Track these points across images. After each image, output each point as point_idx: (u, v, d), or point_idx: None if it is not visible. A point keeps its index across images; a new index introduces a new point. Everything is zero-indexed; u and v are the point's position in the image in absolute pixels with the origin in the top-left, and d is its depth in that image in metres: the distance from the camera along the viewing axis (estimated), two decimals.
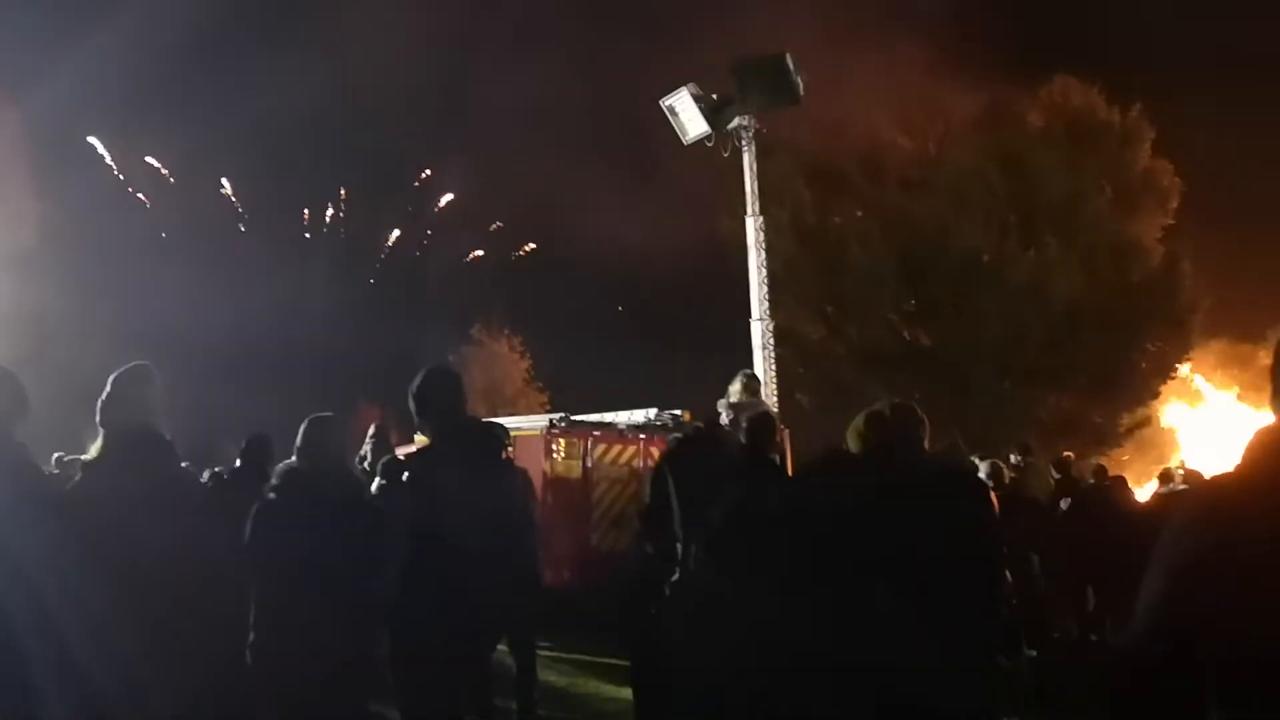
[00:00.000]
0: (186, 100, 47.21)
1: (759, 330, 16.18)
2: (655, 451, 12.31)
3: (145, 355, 4.93)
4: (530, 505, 9.56)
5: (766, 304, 16.34)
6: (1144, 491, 14.65)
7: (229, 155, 47.88)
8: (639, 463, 13.17)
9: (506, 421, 11.55)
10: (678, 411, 13.35)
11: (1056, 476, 12.70)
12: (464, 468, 4.93)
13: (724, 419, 7.02)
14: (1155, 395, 30.69)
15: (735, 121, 16.12)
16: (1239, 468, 2.06)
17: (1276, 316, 27.78)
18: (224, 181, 51.34)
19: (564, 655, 10.34)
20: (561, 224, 44.26)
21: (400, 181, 54.90)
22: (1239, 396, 33.20)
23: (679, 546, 6.29)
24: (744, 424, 6.45)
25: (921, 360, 28.91)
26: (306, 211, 53.51)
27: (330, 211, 53.89)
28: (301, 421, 5.21)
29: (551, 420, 13.48)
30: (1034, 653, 10.05)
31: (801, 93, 15.79)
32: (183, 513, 4.52)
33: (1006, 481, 10.47)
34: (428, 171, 55.14)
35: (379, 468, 8.71)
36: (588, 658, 10.27)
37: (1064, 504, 11.61)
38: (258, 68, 42.40)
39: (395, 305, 44.55)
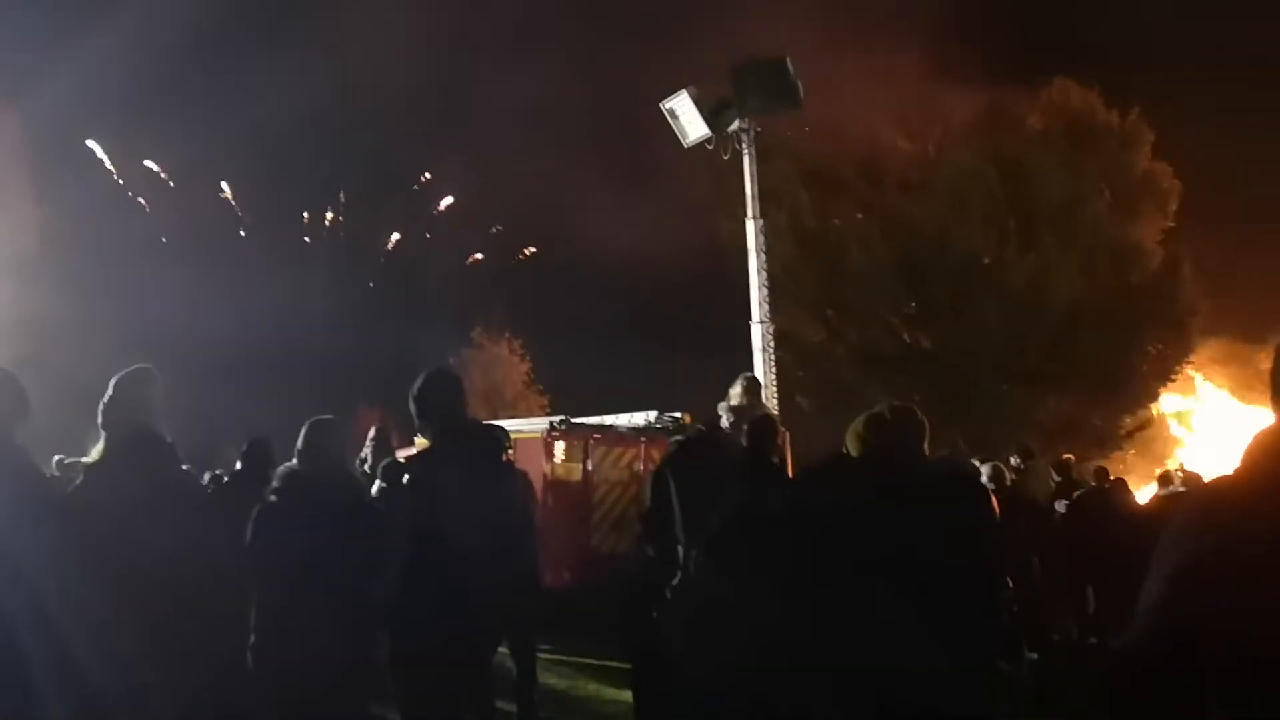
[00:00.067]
0: (185, 104, 47.14)
1: (759, 333, 16.19)
2: (655, 454, 12.32)
3: (146, 358, 4.94)
4: (531, 508, 9.56)
5: (766, 306, 16.34)
6: (1144, 493, 14.65)
7: (228, 158, 47.92)
8: (639, 465, 13.18)
9: (507, 424, 11.54)
10: (678, 414, 13.34)
11: (1057, 479, 12.70)
12: (464, 470, 4.93)
13: (725, 422, 7.02)
14: (1155, 397, 30.71)
15: (735, 124, 16.13)
16: (1239, 470, 2.07)
17: (1277, 318, 27.79)
18: (223, 185, 51.38)
19: (564, 657, 10.34)
20: (562, 226, 44.28)
21: (400, 184, 54.88)
22: (1239, 398, 33.19)
23: (680, 549, 6.30)
24: (745, 427, 6.45)
25: (921, 363, 28.92)
26: (306, 214, 53.57)
27: (330, 215, 53.94)
28: (302, 424, 5.22)
29: (552, 423, 13.48)
30: (1034, 655, 10.06)
31: (801, 96, 15.81)
32: (184, 515, 4.52)
33: (1008, 484, 10.47)
34: (427, 175, 55.18)
35: (379, 470, 8.70)
36: (588, 660, 10.26)
37: (1059, 505, 11.60)
38: (257, 71, 42.38)
39: (395, 308, 44.53)
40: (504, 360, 39.08)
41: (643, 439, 13.45)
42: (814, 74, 16.70)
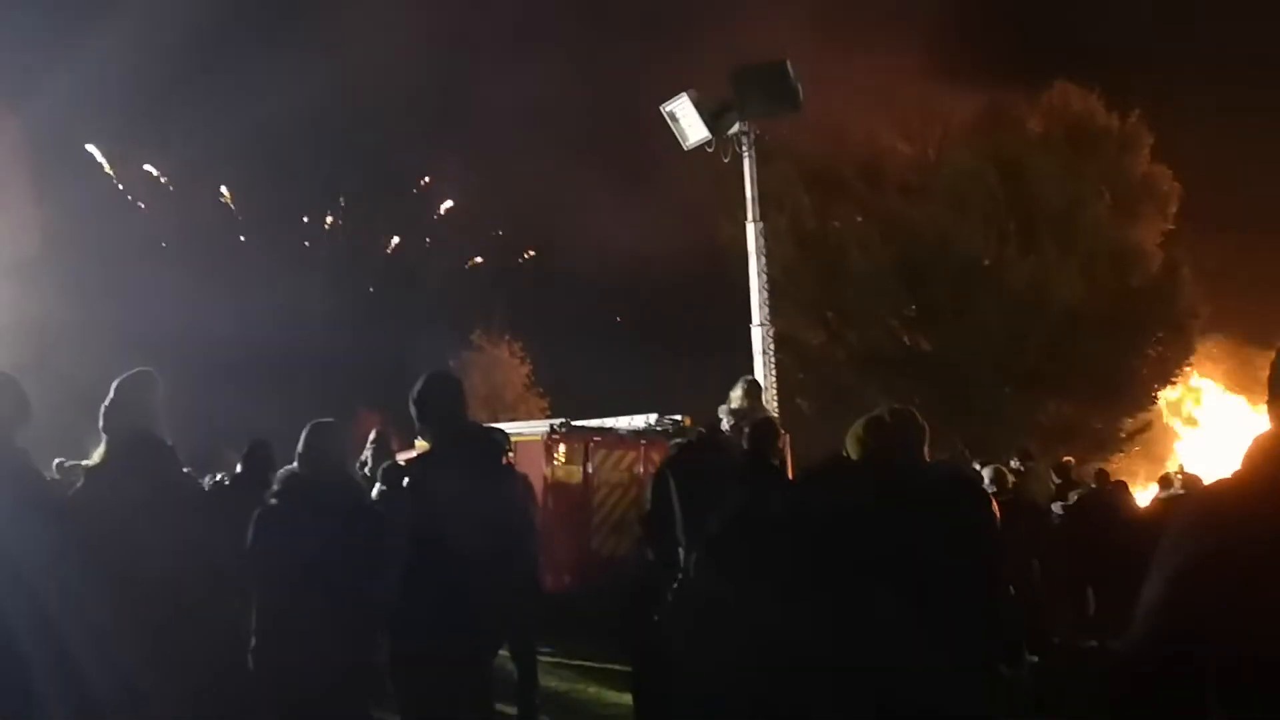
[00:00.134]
0: (184, 107, 47.18)
1: (759, 335, 16.18)
2: (655, 457, 12.32)
3: (146, 361, 4.94)
4: (531, 510, 9.56)
5: (767, 309, 16.33)
6: (1145, 496, 14.65)
7: (228, 161, 47.95)
8: (639, 468, 13.18)
9: (507, 427, 11.54)
10: (678, 416, 13.34)
11: (1057, 481, 12.71)
12: (464, 473, 4.93)
13: (725, 424, 7.02)
14: (1155, 400, 30.71)
15: (735, 127, 16.13)
16: (1238, 473, 2.08)
17: (1277, 320, 27.80)
18: (223, 188, 51.40)
19: (565, 660, 10.34)
20: (562, 229, 44.31)
21: (400, 188, 54.93)
22: (1239, 401, 33.21)
23: (680, 552, 6.30)
24: (746, 429, 6.46)
25: (922, 365, 28.94)
26: (306, 218, 53.58)
27: (330, 217, 53.96)
28: (302, 427, 5.22)
29: (552, 425, 13.48)
30: (1034, 658, 10.06)
31: (801, 99, 15.82)
32: (184, 518, 4.52)
33: (1009, 486, 10.48)
34: (426, 178, 55.21)
35: (379, 473, 8.72)
36: (589, 663, 10.26)
37: (1056, 507, 11.60)
38: (256, 73, 42.36)
39: (395, 311, 44.53)
40: (504, 363, 39.07)
41: (643, 442, 13.45)
42: (814, 77, 16.72)
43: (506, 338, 39.64)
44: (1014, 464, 12.57)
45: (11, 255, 29.96)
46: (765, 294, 16.36)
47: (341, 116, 47.53)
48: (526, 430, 13.74)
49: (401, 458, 9.80)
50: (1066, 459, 15.17)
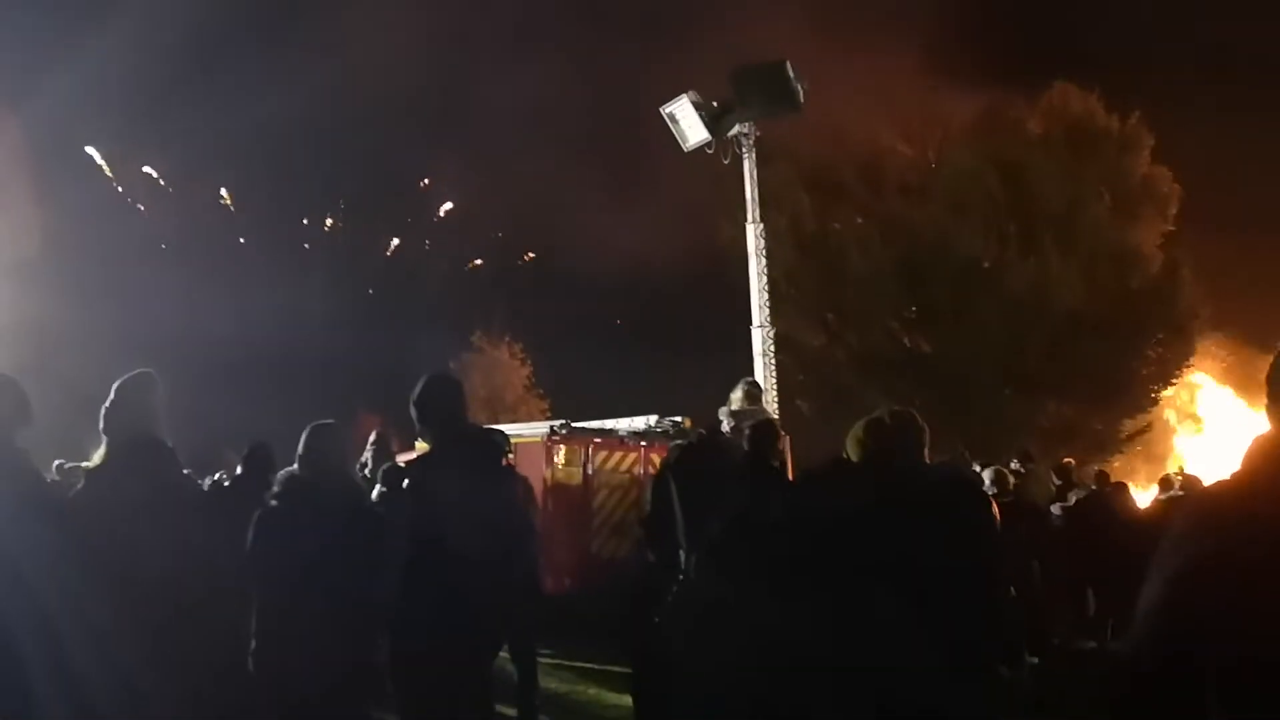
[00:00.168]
0: (184, 109, 47.25)
1: (759, 337, 16.19)
2: (656, 458, 12.31)
3: (146, 363, 4.94)
4: (531, 512, 9.57)
5: (767, 311, 16.34)
6: (1145, 497, 14.65)
7: (227, 163, 48.00)
8: (639, 470, 13.17)
9: (507, 428, 11.54)
10: (678, 418, 13.34)
11: (1058, 483, 12.70)
12: (464, 475, 4.93)
13: (725, 426, 7.03)
14: (1156, 401, 30.71)
15: (735, 129, 16.14)
16: (1238, 474, 2.08)
17: (1278, 321, 27.81)
18: (222, 190, 51.44)
19: (565, 662, 10.34)
20: (562, 231, 44.32)
21: (400, 189, 54.97)
22: (1240, 402, 33.21)
23: (681, 553, 6.30)
24: (747, 431, 6.46)
25: (922, 366, 28.94)
26: (305, 220, 53.62)
27: (329, 220, 54.00)
28: (302, 429, 5.22)
29: (552, 427, 13.47)
30: (1035, 659, 10.06)
31: (802, 100, 15.82)
32: (184, 519, 4.53)
33: (1010, 488, 10.48)
34: (426, 180, 55.24)
35: (380, 475, 8.72)
36: (589, 665, 10.26)
37: (1055, 508, 11.60)
38: (255, 76, 42.44)
39: (396, 312, 44.55)
40: (504, 365, 39.07)
41: (643, 443, 13.45)
42: (814, 78, 16.68)
43: (507, 339, 39.64)
44: (1014, 465, 12.57)
45: (11, 256, 29.98)
46: (765, 295, 16.37)
47: (341, 118, 47.64)
48: (526, 432, 13.73)
49: (402, 459, 9.79)
50: (1067, 460, 15.17)
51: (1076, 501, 12.04)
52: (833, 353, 30.18)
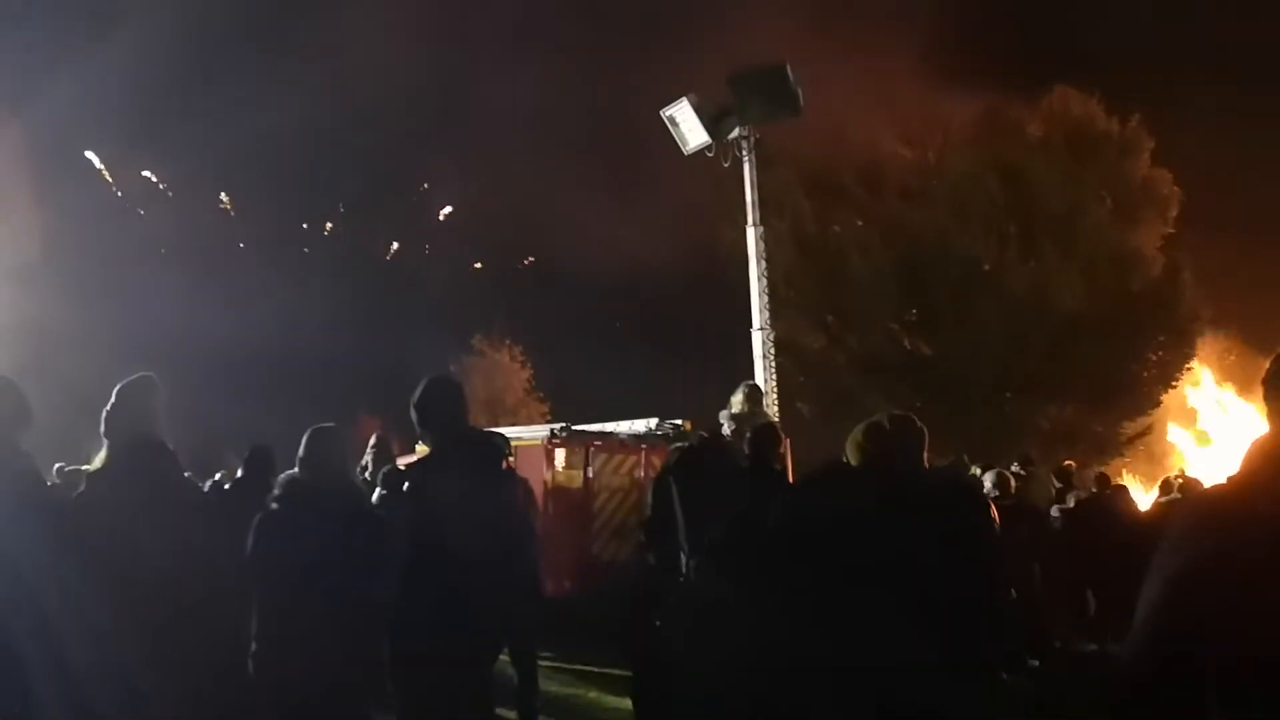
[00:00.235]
0: (183, 114, 47.32)
1: (759, 340, 16.19)
2: (656, 461, 12.31)
3: (147, 366, 4.95)
4: (531, 515, 9.57)
5: (767, 313, 16.34)
6: (1145, 500, 14.65)
7: (226, 169, 48.04)
8: (640, 472, 13.17)
9: (508, 431, 11.53)
10: (679, 421, 13.35)
11: (1058, 486, 12.71)
12: (465, 477, 4.94)
13: (726, 429, 7.04)
14: (1156, 404, 30.69)
15: (735, 132, 16.14)
16: (1237, 476, 2.09)
17: (1278, 323, 27.82)
18: (222, 195, 51.51)
19: (565, 665, 10.33)
20: (562, 234, 44.33)
21: (399, 193, 55.02)
22: (1241, 404, 33.21)
23: (683, 556, 6.31)
24: (748, 434, 6.47)
25: (922, 370, 28.93)
26: (305, 224, 53.68)
27: (329, 224, 54.05)
28: (303, 432, 5.22)
29: (553, 430, 13.47)
30: (1035, 662, 10.06)
31: (801, 103, 15.82)
32: (185, 522, 4.53)
33: (1012, 491, 10.48)
34: (426, 184, 55.30)
35: (380, 477, 8.72)
36: (589, 668, 10.25)
37: (1054, 511, 11.60)
38: (254, 81, 42.51)
39: (396, 316, 44.56)
40: (505, 367, 39.08)
41: (643, 446, 13.45)
42: (814, 81, 16.74)
43: (507, 342, 39.64)
44: (1015, 469, 12.57)
45: (12, 260, 30.01)
46: (765, 298, 16.38)
47: (340, 122, 47.68)
48: (527, 435, 13.74)
49: (402, 462, 9.80)
50: (1067, 463, 15.17)
51: (1077, 504, 12.05)
52: (833, 355, 30.18)
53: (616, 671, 8.96)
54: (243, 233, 51.62)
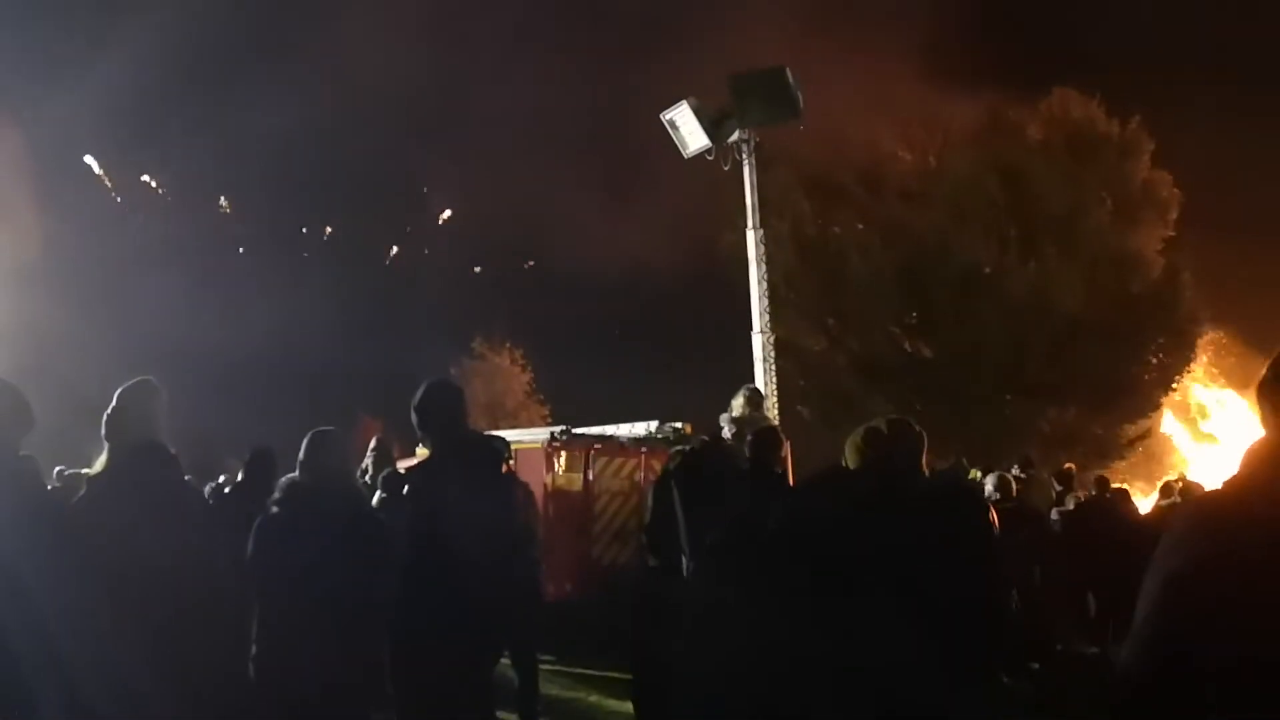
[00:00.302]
0: (182, 119, 47.36)
1: (760, 343, 16.17)
2: (656, 464, 12.29)
3: (146, 370, 4.94)
4: (532, 518, 9.56)
5: (767, 316, 16.33)
6: (1145, 504, 14.65)
7: (226, 173, 48.09)
8: (640, 476, 13.15)
9: (508, 434, 11.55)
10: (679, 424, 13.34)
11: (1058, 489, 12.70)
12: (465, 480, 4.94)
13: (726, 432, 7.04)
14: (1157, 406, 30.69)
15: (735, 135, 16.13)
16: (1234, 479, 2.10)
17: (1278, 324, 27.81)
18: (222, 200, 51.54)
19: (565, 668, 10.33)
20: (562, 237, 44.35)
21: (398, 197, 55.04)
22: (1242, 405, 33.20)
23: (683, 559, 6.31)
24: (749, 438, 6.47)
25: (923, 372, 28.93)
26: (304, 229, 53.72)
27: (329, 228, 54.07)
28: (303, 435, 5.23)
29: (553, 433, 13.47)
30: (1035, 665, 10.06)
31: (801, 106, 15.82)
32: (186, 526, 4.53)
33: (1014, 494, 10.47)
34: (425, 188, 55.32)
35: (380, 480, 8.72)
36: (589, 671, 10.25)
37: (1054, 514, 11.59)
38: (253, 86, 42.53)
39: (396, 319, 44.57)
40: (505, 371, 39.09)
41: (644, 449, 13.44)
42: (814, 84, 16.73)
43: (507, 345, 39.65)
44: (1015, 471, 12.57)
45: (12, 263, 30.02)
46: (766, 301, 16.36)
47: (339, 126, 47.68)
48: (527, 438, 13.73)
49: (402, 465, 9.80)
50: (1068, 466, 15.17)
51: (1077, 506, 12.04)
52: (833, 358, 30.18)
53: (617, 674, 8.97)
54: (242, 236, 51.67)
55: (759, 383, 14.87)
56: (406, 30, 47.66)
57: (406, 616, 4.84)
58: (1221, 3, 40.34)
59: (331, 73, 44.66)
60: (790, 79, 15.48)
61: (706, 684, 5.03)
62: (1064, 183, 28.39)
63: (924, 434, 4.78)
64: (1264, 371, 2.22)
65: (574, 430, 13.59)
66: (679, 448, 7.99)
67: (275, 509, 5.17)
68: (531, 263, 53.35)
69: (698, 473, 6.65)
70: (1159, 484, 15.30)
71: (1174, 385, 30.59)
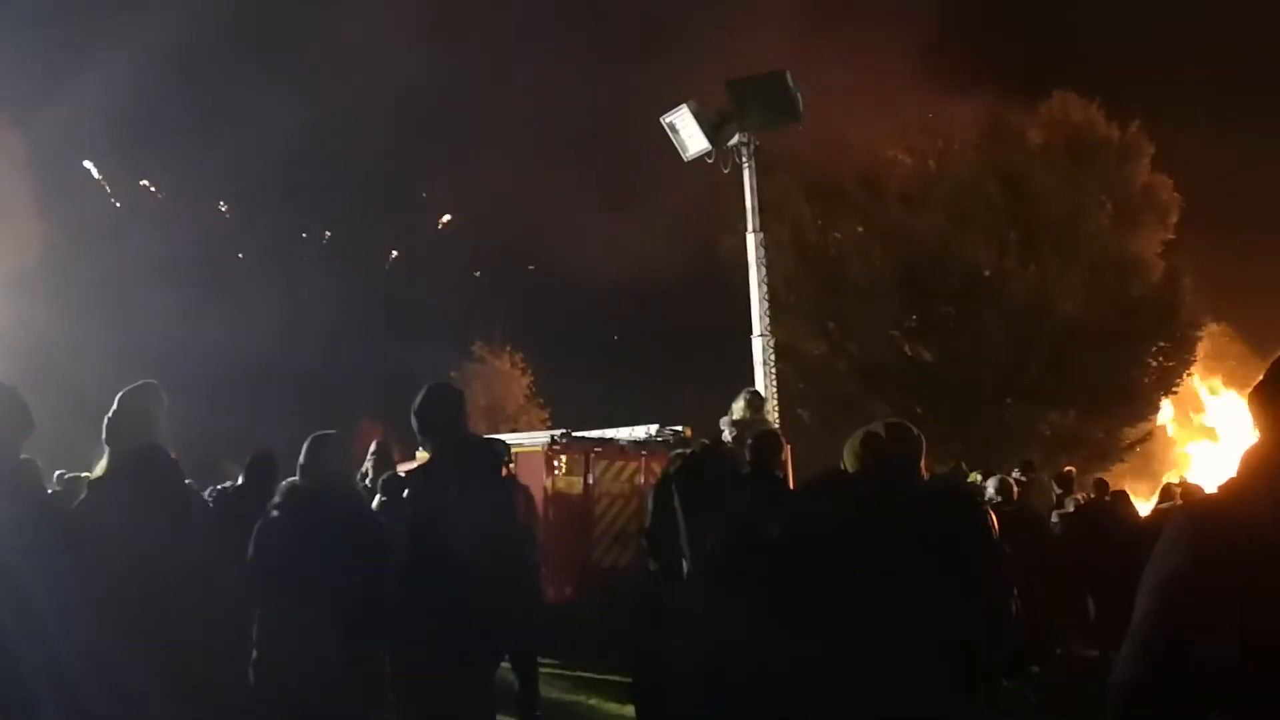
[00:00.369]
0: (181, 124, 47.38)
1: (760, 346, 16.17)
2: (656, 467, 12.29)
3: (146, 374, 4.95)
4: (532, 522, 9.57)
5: (767, 320, 16.32)
6: (1145, 507, 14.64)
7: (225, 179, 48.07)
8: (640, 479, 13.15)
9: (508, 438, 11.56)
10: (679, 427, 13.33)
11: (1058, 492, 12.70)
12: (465, 484, 4.95)
13: (727, 435, 7.04)
14: (1157, 410, 30.68)
15: (735, 138, 16.14)
16: (1232, 482, 2.12)
17: (1278, 324, 27.84)
18: (221, 204, 51.56)
19: (566, 671, 10.33)
20: (562, 241, 44.36)
21: (398, 200, 55.04)
22: (1242, 406, 33.18)
23: (684, 562, 6.31)
24: (750, 441, 6.48)
25: (923, 376, 28.92)
26: (304, 234, 53.71)
27: (328, 233, 54.07)
28: (304, 439, 5.23)
29: (553, 437, 13.48)
30: (1036, 668, 10.04)
31: (801, 110, 15.82)
32: (187, 530, 4.53)
33: (1015, 497, 10.47)
34: (424, 193, 55.31)
35: (380, 484, 8.73)
36: (589, 674, 10.25)
37: (1054, 516, 11.58)
38: (253, 91, 42.56)
39: (396, 323, 44.55)
40: (505, 374, 39.07)
41: (644, 452, 13.43)
42: (814, 87, 16.73)
43: (507, 349, 39.64)
44: (1016, 475, 12.56)
45: (11, 268, 30.04)
46: (766, 304, 16.35)
47: (339, 130, 47.67)
48: (527, 441, 13.74)
49: (403, 469, 9.81)
50: (1068, 469, 15.17)
51: (1077, 509, 12.05)
52: (834, 361, 30.17)
53: (617, 678, 8.97)
54: (242, 241, 51.66)
55: (759, 386, 14.86)
56: (405, 33, 47.72)
57: (407, 619, 4.84)
58: (1221, 4, 40.39)
59: (331, 75, 44.74)
60: (790, 83, 15.48)
61: (706, 687, 5.03)
62: (1064, 186, 28.38)
63: (922, 437, 4.78)
64: (1260, 377, 2.23)
65: (574, 433, 13.60)
66: (679, 451, 7.99)
67: (276, 512, 5.18)
68: (531, 266, 53.35)
69: (698, 476, 6.66)
70: (1159, 487, 15.28)
71: (1175, 388, 30.57)
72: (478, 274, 54.26)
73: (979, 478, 12.38)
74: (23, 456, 4.28)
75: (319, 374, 35.68)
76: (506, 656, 7.72)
